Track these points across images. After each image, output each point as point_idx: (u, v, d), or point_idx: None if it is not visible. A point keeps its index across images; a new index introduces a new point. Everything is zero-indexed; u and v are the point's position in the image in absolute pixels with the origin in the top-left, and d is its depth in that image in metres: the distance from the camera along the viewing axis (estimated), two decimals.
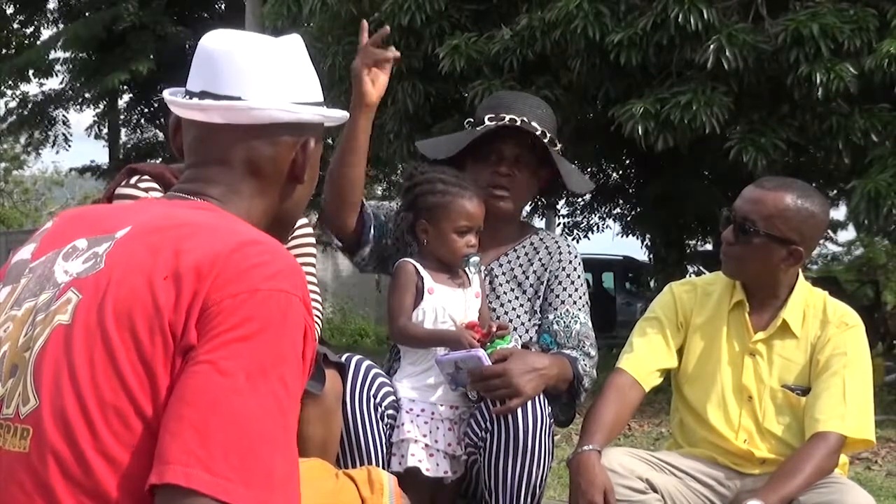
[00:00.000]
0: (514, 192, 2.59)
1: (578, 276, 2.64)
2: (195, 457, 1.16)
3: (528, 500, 2.37)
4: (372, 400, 2.38)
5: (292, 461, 1.24)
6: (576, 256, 2.67)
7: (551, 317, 2.60)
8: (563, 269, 2.63)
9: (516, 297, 2.62)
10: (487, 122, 2.57)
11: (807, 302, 2.52)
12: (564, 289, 2.62)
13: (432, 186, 2.48)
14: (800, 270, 2.54)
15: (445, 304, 2.47)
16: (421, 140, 2.88)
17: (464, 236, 2.47)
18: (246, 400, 1.19)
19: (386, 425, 2.40)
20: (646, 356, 2.54)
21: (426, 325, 2.47)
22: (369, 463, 2.28)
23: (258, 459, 1.19)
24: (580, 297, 2.63)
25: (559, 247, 2.67)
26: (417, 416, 2.40)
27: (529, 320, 2.61)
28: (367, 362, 2.43)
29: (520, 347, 2.47)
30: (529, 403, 2.34)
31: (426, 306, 2.46)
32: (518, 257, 2.66)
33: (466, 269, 2.52)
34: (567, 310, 2.60)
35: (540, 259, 2.65)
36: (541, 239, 2.70)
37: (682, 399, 2.60)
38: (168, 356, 1.21)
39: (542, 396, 2.38)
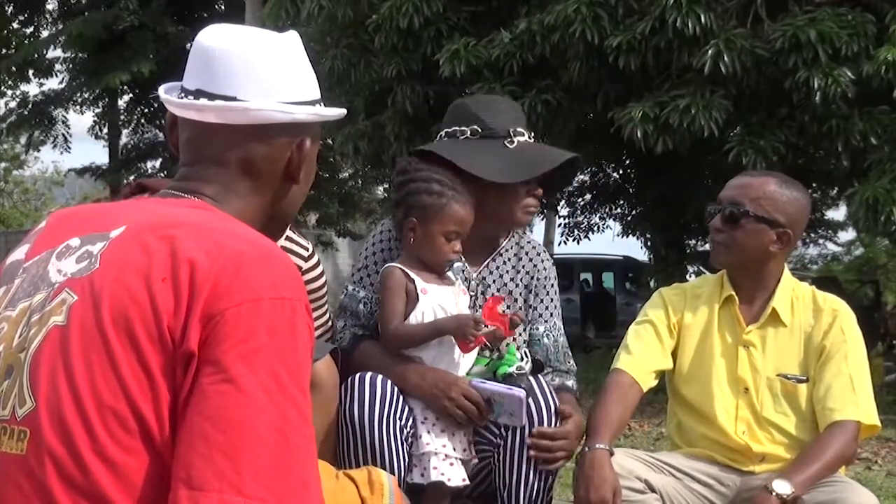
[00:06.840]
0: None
1: (554, 285, 2.68)
2: (228, 482, 1.16)
3: (547, 493, 2.39)
4: (398, 422, 2.32)
5: (317, 466, 1.25)
6: (552, 264, 2.70)
7: (542, 329, 2.62)
8: (547, 277, 2.65)
9: (509, 306, 2.58)
10: (511, 140, 2.53)
11: (794, 293, 2.55)
12: (552, 299, 2.65)
13: (428, 186, 2.43)
14: (785, 264, 2.57)
15: (441, 303, 2.43)
16: (424, 144, 2.79)
17: (451, 241, 2.43)
18: (271, 416, 1.19)
19: (406, 440, 2.34)
20: (642, 357, 2.56)
21: None
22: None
23: (292, 474, 1.19)
24: (558, 307, 2.67)
25: (539, 254, 2.67)
26: (433, 425, 2.36)
27: (524, 329, 2.60)
28: (389, 382, 2.34)
29: (521, 363, 2.45)
30: (551, 399, 2.37)
31: (423, 307, 2.42)
32: (504, 263, 2.64)
33: (449, 273, 2.50)
34: (554, 323, 2.64)
35: (524, 267, 2.64)
36: (519, 244, 2.68)
37: (679, 399, 2.62)
38: (167, 361, 1.21)
39: (553, 394, 2.41)
